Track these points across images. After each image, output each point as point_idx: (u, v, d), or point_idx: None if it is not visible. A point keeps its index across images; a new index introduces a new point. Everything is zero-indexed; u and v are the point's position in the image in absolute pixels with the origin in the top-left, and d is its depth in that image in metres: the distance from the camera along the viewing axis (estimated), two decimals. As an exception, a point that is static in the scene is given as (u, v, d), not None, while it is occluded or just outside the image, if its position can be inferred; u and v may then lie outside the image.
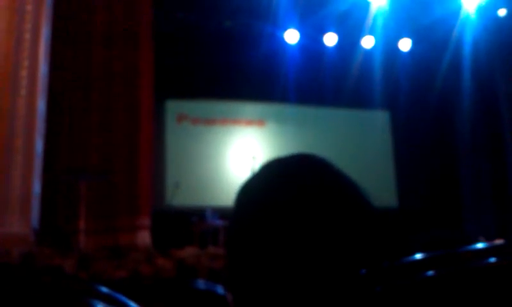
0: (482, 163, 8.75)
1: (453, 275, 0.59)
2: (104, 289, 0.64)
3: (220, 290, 1.36)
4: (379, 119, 9.39)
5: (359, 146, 8.79)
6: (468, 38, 8.56)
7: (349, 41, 8.69)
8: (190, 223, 6.73)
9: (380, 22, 8.28)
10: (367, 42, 8.68)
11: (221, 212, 6.70)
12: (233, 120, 8.60)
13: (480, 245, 0.65)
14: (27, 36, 5.87)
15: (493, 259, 0.62)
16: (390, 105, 9.20)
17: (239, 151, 8.30)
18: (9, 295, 0.52)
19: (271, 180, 0.72)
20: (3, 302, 0.51)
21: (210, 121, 8.46)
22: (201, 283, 1.53)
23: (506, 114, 8.38)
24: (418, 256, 0.62)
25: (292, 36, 8.43)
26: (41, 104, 5.94)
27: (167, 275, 2.49)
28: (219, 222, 6.59)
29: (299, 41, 8.49)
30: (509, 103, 8.32)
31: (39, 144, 5.85)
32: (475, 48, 8.51)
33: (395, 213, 8.27)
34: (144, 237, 6.60)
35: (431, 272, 0.59)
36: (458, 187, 9.07)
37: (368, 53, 8.81)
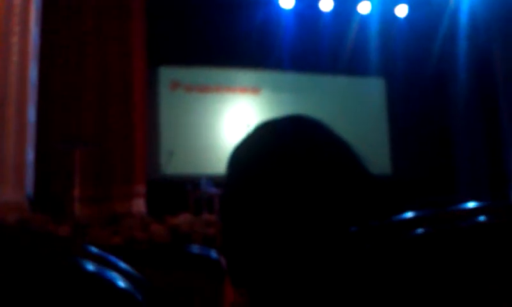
0: (477, 131, 8.78)
1: (442, 233, 0.59)
2: (94, 249, 0.64)
3: (214, 254, 1.37)
4: (374, 87, 9.36)
5: (354, 114, 8.78)
6: (465, 5, 8.49)
7: (345, 6, 8.59)
8: (185, 191, 6.76)
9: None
10: (364, 8, 8.59)
11: (215, 180, 6.73)
12: (227, 87, 8.55)
13: (470, 204, 0.65)
14: (18, 1, 5.77)
15: (482, 218, 0.62)
16: (385, 72, 9.16)
17: (234, 118, 8.28)
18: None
19: (262, 141, 0.72)
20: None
21: (204, 88, 8.40)
22: (195, 248, 1.54)
23: (502, 83, 8.37)
24: (409, 214, 0.62)
25: (287, 2, 8.32)
26: (33, 71, 5.88)
27: (162, 241, 2.51)
28: (213, 190, 6.62)
29: (294, 6, 8.39)
30: (505, 72, 8.30)
31: (31, 112, 5.81)
32: (472, 15, 8.44)
33: (389, 180, 8.32)
34: (139, 205, 6.65)
35: (420, 230, 0.59)
36: (453, 155, 9.12)
37: (365, 19, 8.73)
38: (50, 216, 3.53)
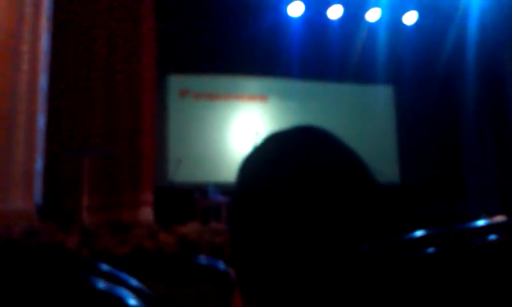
0: (486, 140, 8.72)
1: (453, 252, 0.59)
2: (105, 266, 0.64)
3: (221, 265, 1.37)
4: (382, 94, 9.33)
5: (362, 121, 8.76)
6: (474, 12, 8.46)
7: (354, 14, 8.59)
8: (192, 199, 6.77)
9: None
10: (372, 15, 8.59)
11: (223, 188, 6.73)
12: (235, 95, 8.56)
13: (480, 222, 0.65)
14: (29, 10, 5.82)
15: (493, 237, 0.61)
16: (394, 80, 9.13)
17: (242, 126, 8.29)
18: (9, 273, 0.53)
19: (272, 153, 0.72)
20: (2, 280, 0.52)
21: (212, 96, 8.42)
22: (203, 259, 1.54)
23: (511, 88, 8.32)
24: (419, 232, 0.62)
25: (295, 9, 8.33)
26: (43, 79, 5.92)
27: (169, 250, 2.51)
28: (221, 198, 6.61)
29: (302, 14, 8.40)
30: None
31: (41, 120, 5.85)
32: (481, 22, 8.40)
33: (397, 189, 8.28)
34: (146, 213, 6.65)
35: (431, 249, 0.59)
36: (461, 163, 9.06)
37: (373, 27, 8.72)
38: (59, 224, 3.54)
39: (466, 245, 0.60)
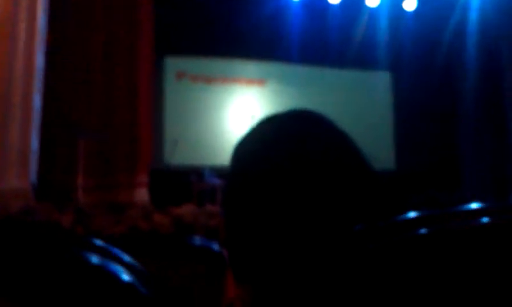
0: (483, 127, 8.74)
1: (446, 234, 0.59)
2: (99, 242, 0.64)
3: (216, 246, 1.37)
4: (381, 81, 9.32)
5: (360, 107, 8.75)
6: (475, 0, 8.44)
7: None
8: (188, 182, 6.77)
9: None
10: (372, 1, 8.54)
11: (219, 171, 6.74)
12: (233, 79, 8.53)
13: (474, 205, 0.66)
14: (25, -11, 5.77)
15: (486, 219, 0.62)
16: (392, 66, 9.11)
17: (239, 110, 8.28)
18: (3, 248, 0.53)
19: (266, 136, 0.72)
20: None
21: (209, 79, 8.38)
22: (197, 240, 1.54)
23: (510, 78, 8.32)
24: (412, 214, 0.62)
25: (295, -7, 8.29)
26: (39, 58, 5.88)
27: (164, 231, 2.52)
28: (217, 181, 6.63)
29: (302, -2, 8.35)
30: (512, 67, 8.25)
31: (37, 100, 5.82)
32: (481, 9, 8.38)
33: (393, 175, 8.31)
34: (142, 194, 6.67)
35: (423, 230, 0.59)
36: (458, 151, 9.09)
37: (373, 12, 8.68)
38: (54, 204, 3.55)
39: (459, 227, 0.61)
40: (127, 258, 0.64)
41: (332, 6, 8.52)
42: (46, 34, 6.14)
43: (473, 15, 8.46)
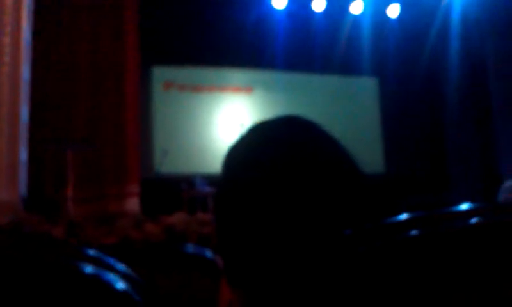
0: (469, 129, 8.82)
1: (436, 235, 0.60)
2: (92, 251, 0.64)
3: (208, 253, 1.37)
4: (367, 86, 9.39)
5: (347, 113, 8.80)
6: (457, 4, 8.54)
7: (338, 7, 8.62)
8: (179, 190, 6.76)
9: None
10: (356, 8, 8.62)
11: (209, 179, 6.73)
12: (220, 87, 8.54)
13: (463, 206, 0.67)
14: (10, 1, 5.73)
15: (475, 220, 0.63)
16: (378, 72, 9.18)
17: (227, 118, 8.28)
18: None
19: (256, 142, 0.73)
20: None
21: (197, 88, 8.39)
22: (190, 247, 1.54)
23: (494, 82, 8.42)
24: (402, 216, 0.63)
25: (279, 2, 8.33)
26: (25, 71, 5.84)
27: (156, 240, 2.51)
28: (208, 189, 6.62)
29: (286, 6, 8.40)
30: (497, 71, 8.34)
31: (24, 112, 5.78)
32: (463, 14, 8.48)
33: (382, 179, 8.35)
34: (133, 204, 6.63)
35: (414, 232, 0.60)
36: (445, 154, 9.16)
37: (357, 19, 8.76)
38: (44, 216, 3.51)
39: (449, 228, 0.62)
40: (120, 266, 0.64)
41: (316, 13, 8.59)
42: (31, 46, 6.10)
43: (456, 19, 8.56)
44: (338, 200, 0.67)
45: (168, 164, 7.36)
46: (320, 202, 0.66)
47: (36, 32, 6.22)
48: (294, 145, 0.69)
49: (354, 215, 0.68)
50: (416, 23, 8.75)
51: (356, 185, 0.70)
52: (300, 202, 0.65)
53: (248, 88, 8.68)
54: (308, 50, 8.57)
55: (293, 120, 0.75)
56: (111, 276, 0.60)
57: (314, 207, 0.65)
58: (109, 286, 0.58)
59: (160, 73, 8.28)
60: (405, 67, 8.92)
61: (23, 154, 5.66)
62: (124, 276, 0.63)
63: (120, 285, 0.60)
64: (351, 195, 0.69)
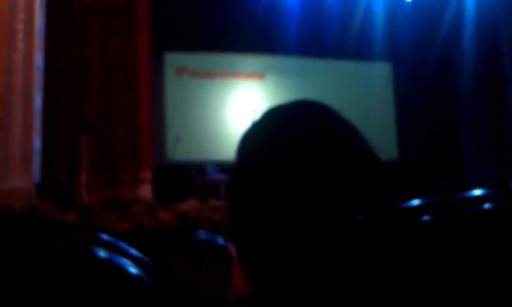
0: (484, 117, 8.73)
1: (448, 221, 0.60)
2: (105, 236, 0.65)
3: (220, 240, 1.38)
4: (381, 71, 9.29)
5: (360, 99, 8.73)
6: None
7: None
8: (191, 177, 6.78)
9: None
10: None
11: (221, 166, 6.74)
12: (233, 73, 8.52)
13: (476, 192, 0.66)
14: (22, -13, 5.76)
15: (488, 205, 0.62)
16: (392, 56, 9.08)
17: (240, 104, 8.27)
18: (10, 242, 0.53)
19: (270, 127, 0.72)
20: (2, 249, 0.52)
21: (209, 74, 8.37)
22: (202, 234, 1.55)
23: (509, 66, 8.30)
24: (415, 202, 0.63)
25: (292, -14, 8.27)
26: (38, 58, 5.88)
27: (169, 227, 2.53)
28: (219, 176, 6.63)
29: (300, -9, 8.33)
30: (512, 55, 8.22)
31: (38, 100, 5.83)
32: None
33: (396, 165, 8.30)
34: (146, 191, 6.68)
35: (426, 217, 0.60)
36: (460, 140, 9.08)
37: (371, 3, 8.65)
38: (57, 203, 3.56)
39: (461, 214, 0.61)
40: (133, 251, 0.65)
41: (330, -3, 8.51)
42: (44, 34, 6.14)
43: (470, 3, 8.43)
44: (352, 186, 0.66)
45: (181, 150, 7.38)
46: (334, 188, 0.65)
47: (48, 20, 6.25)
48: (309, 130, 0.69)
49: (370, 200, 0.67)
50: (431, 7, 8.62)
51: (372, 171, 0.70)
52: (314, 188, 0.65)
53: (260, 74, 8.65)
54: (321, 35, 8.49)
55: (308, 104, 0.74)
56: (124, 261, 0.61)
57: (328, 193, 0.65)
58: (122, 271, 0.59)
59: (173, 59, 8.28)
60: (419, 52, 8.81)
61: (36, 142, 5.72)
62: (137, 261, 0.64)
63: (133, 270, 0.61)
64: (366, 181, 0.68)
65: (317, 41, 8.52)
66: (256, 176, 0.68)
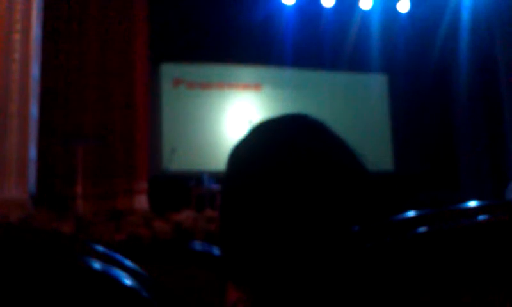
0: (480, 126, 8.76)
1: (443, 232, 0.60)
2: (100, 247, 0.65)
3: (216, 251, 1.38)
4: (377, 83, 9.33)
5: (356, 110, 8.76)
6: (467, 0, 8.48)
7: (347, 2, 8.57)
8: (187, 188, 6.78)
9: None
10: (366, 3, 8.57)
11: (217, 177, 6.73)
12: (229, 84, 8.54)
13: (471, 204, 0.66)
14: (19, -1, 5.77)
15: (483, 217, 0.63)
16: (388, 68, 9.13)
17: (236, 115, 8.28)
18: (5, 253, 0.53)
19: (262, 139, 0.72)
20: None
21: (206, 85, 8.40)
22: (197, 245, 1.55)
23: (504, 78, 8.35)
24: (410, 213, 0.63)
25: (289, -2, 8.32)
26: (35, 68, 5.88)
27: (164, 237, 2.52)
28: (215, 187, 6.63)
29: (296, 2, 8.37)
30: (507, 67, 8.27)
31: (34, 109, 5.82)
32: (474, 9, 8.42)
33: (392, 177, 8.31)
34: (141, 201, 6.66)
35: (421, 229, 0.60)
36: (455, 151, 9.10)
37: (367, 15, 8.71)
38: (53, 213, 3.54)
39: (456, 226, 0.61)
40: (128, 263, 0.64)
41: (326, 9, 8.55)
42: (41, 44, 6.14)
43: (466, 14, 8.49)
44: (343, 198, 0.66)
45: (177, 161, 7.38)
46: (324, 199, 0.65)
47: (45, 30, 6.26)
48: (298, 143, 0.69)
49: (361, 212, 0.67)
50: (426, 19, 8.68)
51: (362, 182, 0.70)
52: (304, 200, 0.65)
53: (256, 85, 8.68)
54: (317, 46, 8.54)
55: (298, 118, 0.75)
56: (119, 272, 0.61)
57: (318, 205, 0.65)
58: (117, 282, 0.59)
59: (169, 70, 8.30)
60: (415, 64, 8.85)
61: (32, 151, 5.70)
62: (132, 273, 0.63)
63: (128, 281, 0.60)
64: (357, 192, 0.68)
65: (313, 53, 8.57)
66: (247, 188, 0.68)
